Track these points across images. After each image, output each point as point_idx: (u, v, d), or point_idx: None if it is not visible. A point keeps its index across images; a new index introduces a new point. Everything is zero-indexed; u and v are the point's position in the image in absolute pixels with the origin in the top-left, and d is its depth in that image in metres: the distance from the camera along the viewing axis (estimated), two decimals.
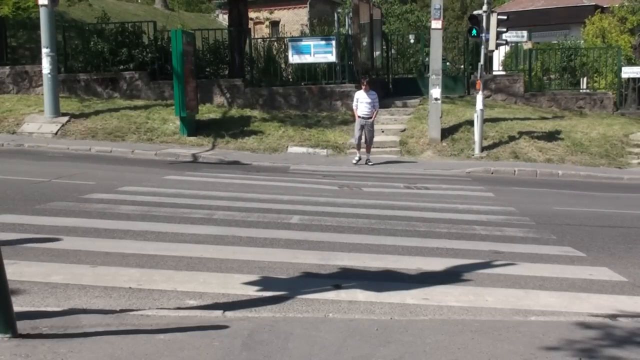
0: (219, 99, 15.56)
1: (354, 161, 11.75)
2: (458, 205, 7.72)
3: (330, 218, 6.42)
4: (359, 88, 12.55)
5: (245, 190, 8.17)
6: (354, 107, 11.93)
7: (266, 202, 7.24)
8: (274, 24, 32.36)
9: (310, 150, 13.28)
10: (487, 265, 4.74)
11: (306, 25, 30.12)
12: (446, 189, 9.33)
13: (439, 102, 13.60)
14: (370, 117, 11.72)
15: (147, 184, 8.23)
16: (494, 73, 18.25)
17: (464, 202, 7.97)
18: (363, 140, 11.90)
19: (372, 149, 12.19)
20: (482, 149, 13.22)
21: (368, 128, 11.74)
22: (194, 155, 12.08)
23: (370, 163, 11.54)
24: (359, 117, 11.76)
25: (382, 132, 13.85)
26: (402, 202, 7.79)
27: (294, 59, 15.23)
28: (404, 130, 14.30)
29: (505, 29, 13.34)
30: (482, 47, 13.22)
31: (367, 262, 4.72)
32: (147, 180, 8.61)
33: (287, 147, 13.35)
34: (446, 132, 13.88)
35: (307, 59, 15.13)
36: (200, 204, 6.81)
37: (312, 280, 4.21)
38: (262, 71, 16.22)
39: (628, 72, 16.56)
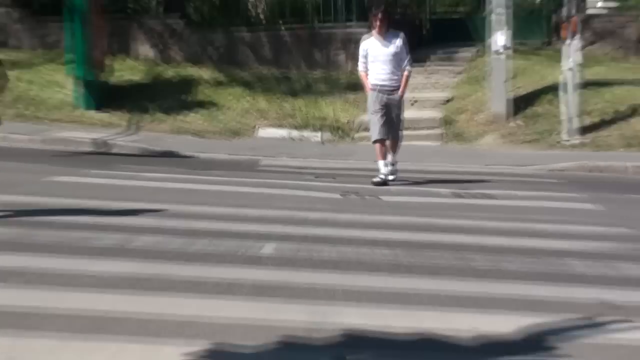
0: (144, 49, 15.48)
1: (377, 179, 10.16)
2: (540, 224, 7.72)
3: (328, 247, 6.39)
4: (369, 31, 10.59)
5: (185, 199, 8.19)
6: (362, 70, 10.20)
7: (221, 219, 7.23)
8: None
9: (295, 133, 13.26)
10: (591, 327, 4.67)
11: None
12: (520, 197, 9.38)
13: (506, 55, 13.50)
14: (397, 88, 9.97)
15: (20, 190, 8.20)
16: (593, 10, 18.25)
17: (550, 220, 7.98)
18: (385, 132, 10.12)
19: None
20: (577, 131, 13.17)
21: (393, 109, 10.04)
22: (100, 142, 12.07)
23: (391, 177, 10.22)
24: (372, 89, 10.06)
25: (413, 104, 13.80)
26: (446, 219, 7.78)
27: None
28: (450, 100, 14.40)
29: None
30: None
31: (389, 320, 4.67)
32: (21, 183, 8.60)
33: (257, 128, 13.36)
34: (518, 104, 13.94)
35: None
36: (108, 224, 6.79)
37: (298, 352, 4.16)
38: (214, 4, 16.10)
39: None
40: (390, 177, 10.16)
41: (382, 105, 10.04)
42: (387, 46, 10.03)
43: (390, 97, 10.02)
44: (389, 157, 10.23)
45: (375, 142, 10.21)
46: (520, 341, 4.41)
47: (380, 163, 10.23)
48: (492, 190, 9.90)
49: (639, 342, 4.52)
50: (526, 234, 7.30)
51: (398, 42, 10.07)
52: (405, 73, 10.09)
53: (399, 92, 10.00)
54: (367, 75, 10.16)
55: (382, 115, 10.07)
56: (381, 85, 10.03)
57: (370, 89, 10.14)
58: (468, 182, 10.49)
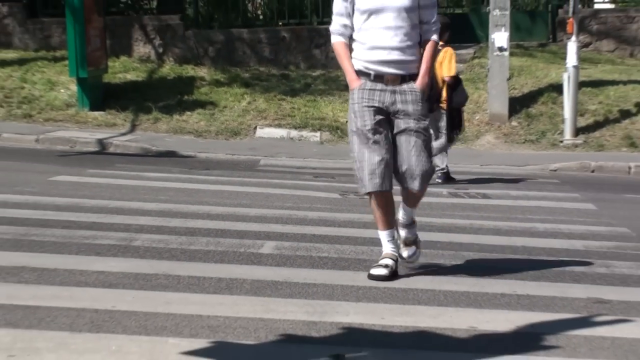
0: (142, 48, 15.57)
1: (378, 270, 5.52)
2: (537, 224, 7.89)
3: (327, 246, 6.52)
4: None
5: (185, 199, 8.34)
6: (337, 34, 5.47)
7: (220, 218, 7.39)
8: None
9: (294, 133, 13.44)
10: (583, 322, 4.75)
11: None
12: (517, 197, 9.51)
13: (506, 53, 13.71)
14: (411, 75, 5.38)
15: (22, 189, 8.30)
16: (597, 6, 18.31)
17: (547, 220, 8.13)
18: (385, 173, 5.39)
19: None
20: (577, 131, 13.27)
21: (404, 118, 5.37)
22: (100, 142, 12.19)
23: (405, 254, 5.79)
24: (364, 72, 5.40)
25: None
26: (444, 219, 7.93)
27: None
28: None
29: None
30: None
31: (387, 317, 4.74)
32: (23, 182, 8.72)
33: (256, 128, 13.48)
34: (518, 104, 14.09)
35: None
36: (110, 223, 6.92)
37: (297, 348, 4.22)
38: (213, 3, 16.17)
39: None
40: (404, 254, 5.78)
41: (378, 115, 5.36)
42: None
43: (399, 90, 5.34)
44: (400, 214, 5.70)
45: (368, 194, 5.51)
46: (515, 337, 4.47)
47: (383, 236, 5.62)
48: (490, 190, 9.98)
49: (626, 335, 4.54)
50: (521, 232, 7.39)
51: None
52: (430, 42, 5.43)
53: (420, 77, 5.39)
54: (347, 48, 5.49)
55: (376, 140, 5.36)
56: (378, 72, 5.36)
57: (355, 79, 5.41)
58: (465, 182, 10.51)
